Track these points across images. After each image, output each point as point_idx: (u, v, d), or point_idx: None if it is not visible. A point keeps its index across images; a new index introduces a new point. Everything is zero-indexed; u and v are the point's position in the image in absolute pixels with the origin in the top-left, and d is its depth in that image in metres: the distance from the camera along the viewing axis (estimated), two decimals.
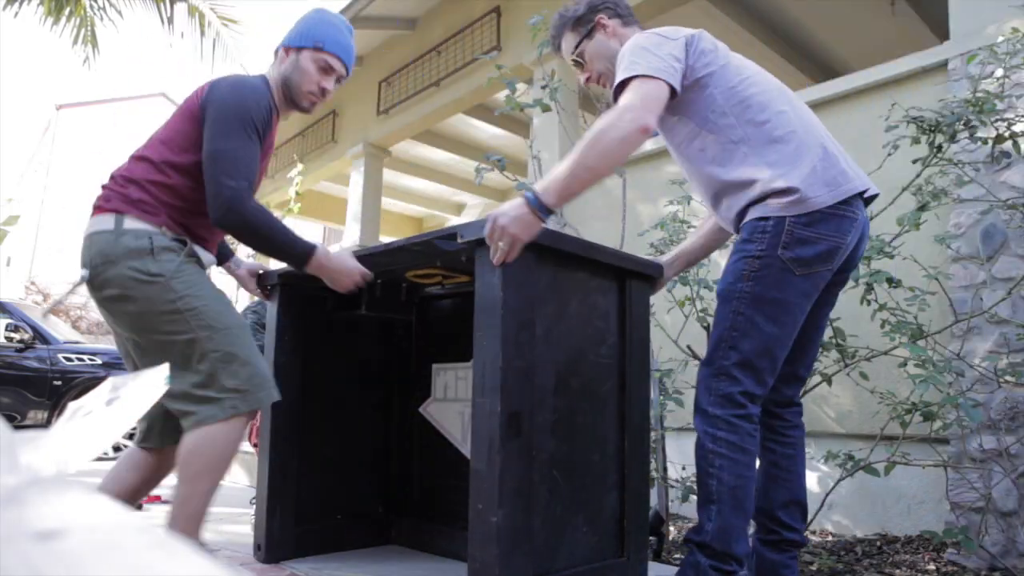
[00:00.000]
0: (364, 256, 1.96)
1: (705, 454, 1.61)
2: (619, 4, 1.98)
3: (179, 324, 1.72)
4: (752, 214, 1.66)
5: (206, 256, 1.92)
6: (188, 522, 1.71)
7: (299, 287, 2.26)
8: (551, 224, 3.06)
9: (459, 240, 1.59)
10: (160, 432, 1.90)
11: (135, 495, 1.91)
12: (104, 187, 1.86)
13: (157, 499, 3.46)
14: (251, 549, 2.23)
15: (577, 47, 1.92)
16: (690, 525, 3.14)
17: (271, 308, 2.27)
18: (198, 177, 1.79)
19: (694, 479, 2.67)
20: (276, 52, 1.98)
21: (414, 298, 2.45)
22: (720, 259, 3.37)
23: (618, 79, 1.66)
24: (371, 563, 2.18)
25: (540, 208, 1.51)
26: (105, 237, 1.75)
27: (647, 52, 1.70)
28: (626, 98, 1.60)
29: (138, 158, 1.84)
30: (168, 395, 1.72)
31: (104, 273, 1.74)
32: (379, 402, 2.52)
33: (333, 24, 1.95)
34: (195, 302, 1.75)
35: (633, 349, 1.85)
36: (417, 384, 2.48)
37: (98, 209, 1.81)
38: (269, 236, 1.79)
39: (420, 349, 2.52)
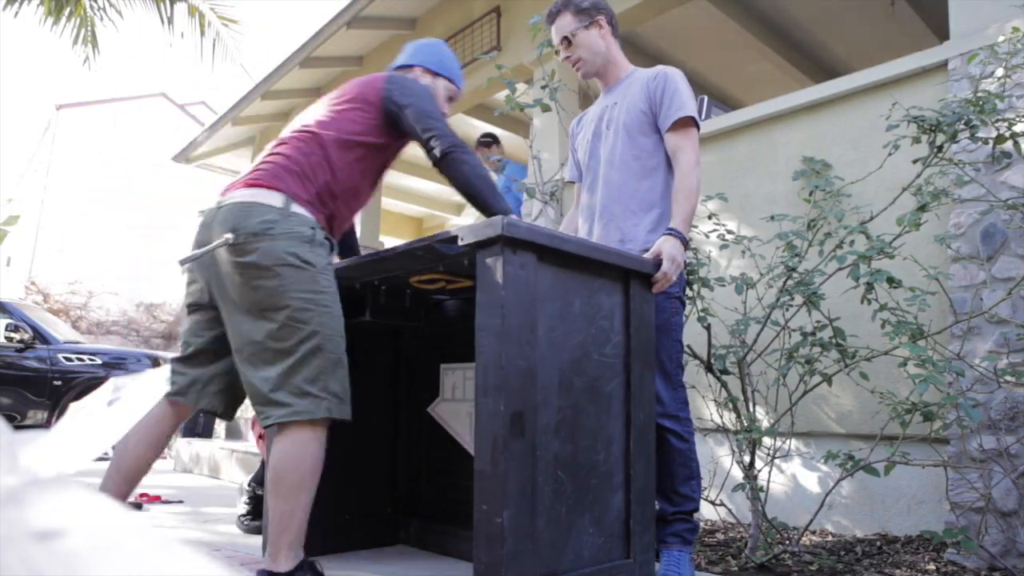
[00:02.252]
0: (366, 260, 1.97)
1: (689, 446, 2.05)
2: (615, 18, 2.27)
3: (309, 315, 1.74)
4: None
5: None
6: (295, 538, 1.70)
7: None
8: (551, 224, 3.06)
9: (460, 243, 1.59)
10: (201, 392, 1.93)
11: (158, 450, 1.93)
12: (270, 162, 1.88)
13: (157, 499, 3.46)
14: (252, 549, 2.23)
15: (574, 30, 2.19)
16: None
17: None
18: (361, 164, 1.93)
19: None
20: (409, 68, 2.19)
21: (420, 303, 2.45)
22: (720, 259, 3.37)
23: (684, 113, 2.07)
24: (378, 563, 2.18)
25: (684, 241, 1.98)
26: (271, 211, 1.78)
27: (692, 95, 2.13)
28: (692, 150, 2.07)
29: (304, 138, 1.90)
30: (267, 381, 1.72)
31: (258, 242, 1.75)
32: (388, 402, 2.52)
33: (456, 60, 2.28)
34: (329, 301, 1.80)
35: (638, 348, 1.85)
36: (425, 385, 2.48)
37: (263, 184, 1.83)
38: (488, 181, 1.89)
39: (428, 349, 2.52)
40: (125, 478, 1.88)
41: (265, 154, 1.94)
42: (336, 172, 1.91)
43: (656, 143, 2.14)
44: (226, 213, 1.82)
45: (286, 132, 1.99)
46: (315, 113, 1.99)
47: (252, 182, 1.84)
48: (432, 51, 2.24)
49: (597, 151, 2.25)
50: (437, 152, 1.88)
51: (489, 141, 5.64)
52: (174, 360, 1.98)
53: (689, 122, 2.08)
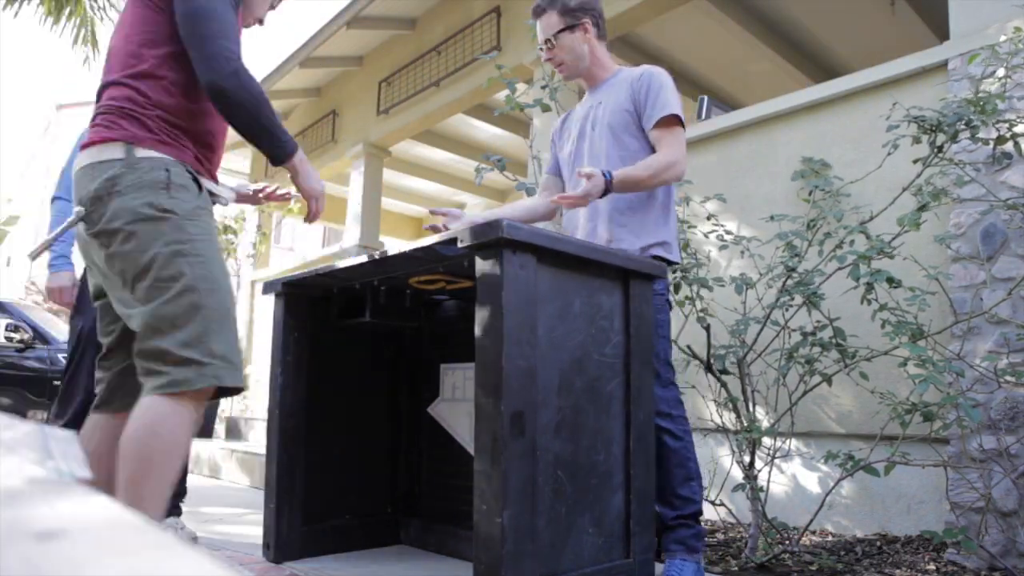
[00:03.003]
0: (366, 263, 1.97)
1: (685, 445, 2.02)
2: (602, 18, 2.23)
3: (179, 268, 1.49)
4: (656, 252, 2.10)
5: (226, 192, 1.75)
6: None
7: (305, 290, 2.27)
8: (551, 225, 3.07)
9: (459, 245, 1.60)
10: (125, 391, 1.63)
11: (113, 467, 1.56)
12: (102, 113, 1.60)
13: None
14: (251, 549, 2.23)
15: (557, 32, 2.16)
16: None
17: (277, 312, 2.27)
18: (190, 70, 1.57)
19: None
20: None
21: (420, 303, 2.45)
22: (720, 259, 3.37)
23: (668, 112, 2.05)
24: (378, 563, 2.18)
25: (609, 182, 1.94)
26: (113, 166, 1.52)
27: (677, 94, 2.12)
28: (677, 146, 2.05)
29: (129, 74, 1.59)
30: (140, 351, 1.48)
31: (106, 204, 1.51)
32: (388, 402, 2.53)
33: None
34: (202, 248, 1.54)
35: (638, 348, 1.85)
36: (426, 384, 2.48)
37: (101, 139, 1.56)
38: (268, 114, 1.58)
39: (429, 349, 2.52)
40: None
41: (96, 93, 1.65)
42: (172, 91, 1.59)
43: (642, 144, 2.11)
44: (76, 183, 1.58)
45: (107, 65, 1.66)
46: (119, 26, 1.66)
47: (90, 140, 1.58)
48: None
49: (582, 150, 2.22)
50: (201, 79, 1.54)
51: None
52: (97, 367, 1.72)
53: (674, 120, 2.05)
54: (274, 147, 1.63)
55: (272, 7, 1.88)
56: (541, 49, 2.23)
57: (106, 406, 1.67)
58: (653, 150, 2.09)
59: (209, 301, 1.50)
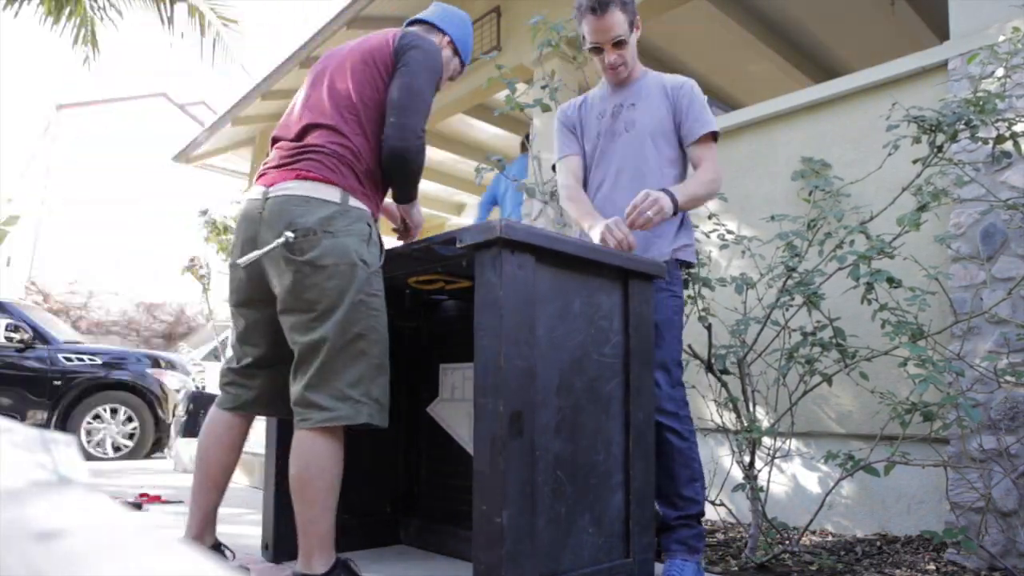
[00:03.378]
0: None
1: (690, 445, 2.01)
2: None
3: (360, 317, 1.67)
4: (681, 256, 2.13)
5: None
6: (326, 539, 1.66)
7: None
8: (551, 226, 3.05)
9: (458, 245, 1.60)
10: (269, 401, 1.88)
11: (237, 452, 1.90)
12: (316, 152, 1.74)
13: (157, 499, 3.46)
14: (251, 549, 2.23)
15: (629, 32, 2.08)
16: None
17: None
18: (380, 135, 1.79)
19: None
20: (439, 31, 2.02)
21: (419, 303, 2.45)
22: (721, 259, 3.37)
23: (710, 129, 2.10)
24: (377, 563, 2.18)
25: (675, 204, 1.93)
26: (330, 206, 1.68)
27: (711, 112, 2.17)
28: (714, 162, 2.09)
29: (346, 124, 1.76)
30: (308, 385, 1.65)
31: (318, 240, 1.65)
32: None
33: (471, 36, 2.11)
34: (379, 304, 1.73)
35: (637, 348, 1.85)
36: (425, 384, 2.48)
37: (315, 176, 1.70)
38: (417, 175, 1.81)
39: (428, 349, 2.52)
40: (215, 485, 1.86)
41: (303, 127, 1.79)
42: (374, 146, 1.79)
43: (678, 153, 2.16)
44: (280, 206, 1.70)
45: (315, 96, 1.83)
46: (342, 72, 1.83)
47: (304, 174, 1.71)
48: (463, 26, 2.07)
49: (614, 149, 2.16)
50: (389, 140, 1.75)
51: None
52: (231, 371, 1.89)
53: (713, 137, 2.12)
54: (409, 194, 1.88)
55: (452, 79, 2.09)
56: (595, 48, 2.09)
57: (246, 408, 1.89)
58: (685, 158, 2.16)
59: (375, 350, 1.70)
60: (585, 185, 2.25)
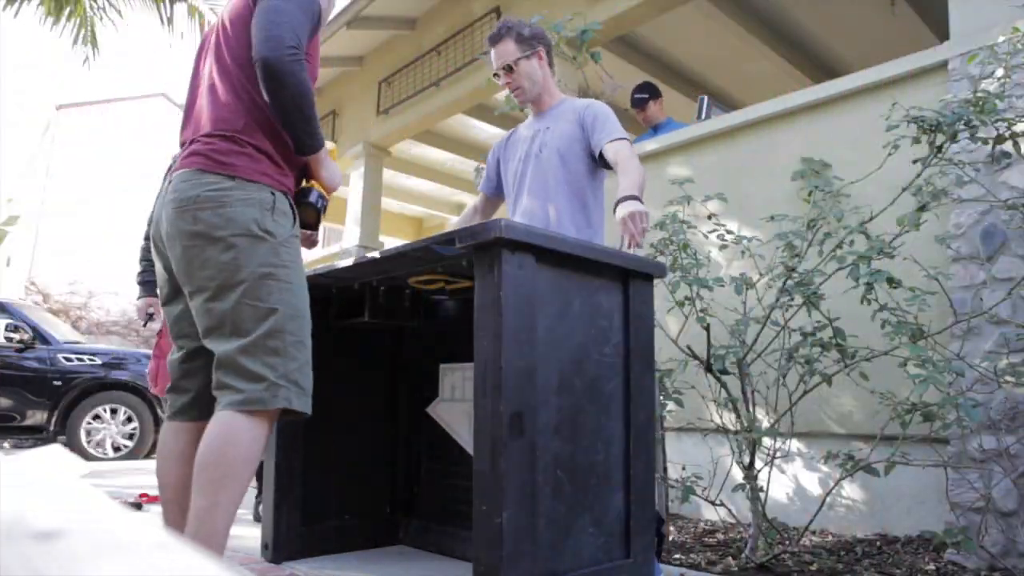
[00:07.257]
0: (365, 262, 1.97)
1: None
2: (552, 49, 2.39)
3: (268, 291, 1.54)
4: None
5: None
6: (211, 540, 1.45)
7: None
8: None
9: (457, 245, 1.60)
10: (207, 403, 1.66)
11: (190, 461, 1.64)
12: (215, 138, 1.62)
13: (157, 499, 3.45)
14: (251, 549, 2.23)
15: (516, 59, 2.28)
16: (690, 525, 3.14)
17: None
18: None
19: (694, 479, 2.67)
20: None
21: (419, 303, 2.45)
22: (720, 259, 3.37)
23: (616, 136, 2.18)
24: (376, 563, 2.18)
25: (641, 202, 2.00)
26: (224, 185, 1.57)
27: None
28: (633, 154, 2.16)
29: (231, 95, 1.63)
30: (220, 362, 1.53)
31: (210, 208, 1.54)
32: (387, 402, 2.52)
33: None
34: (292, 276, 1.60)
35: (637, 348, 1.85)
36: (425, 384, 2.48)
37: (215, 163, 1.59)
38: (310, 104, 1.59)
39: (428, 349, 2.52)
40: (179, 506, 1.65)
41: (198, 113, 1.69)
42: (263, 104, 1.62)
43: (587, 167, 2.24)
44: (176, 183, 1.61)
45: (206, 78, 1.69)
46: (221, 46, 1.68)
47: (200, 162, 1.61)
48: None
49: (527, 170, 2.32)
50: (258, 53, 1.54)
51: (645, 98, 4.04)
52: (173, 368, 1.76)
53: (625, 140, 2.19)
54: (308, 135, 1.64)
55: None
56: (496, 75, 2.34)
57: (188, 414, 1.72)
58: (594, 171, 2.25)
59: (290, 326, 1.56)
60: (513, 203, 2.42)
